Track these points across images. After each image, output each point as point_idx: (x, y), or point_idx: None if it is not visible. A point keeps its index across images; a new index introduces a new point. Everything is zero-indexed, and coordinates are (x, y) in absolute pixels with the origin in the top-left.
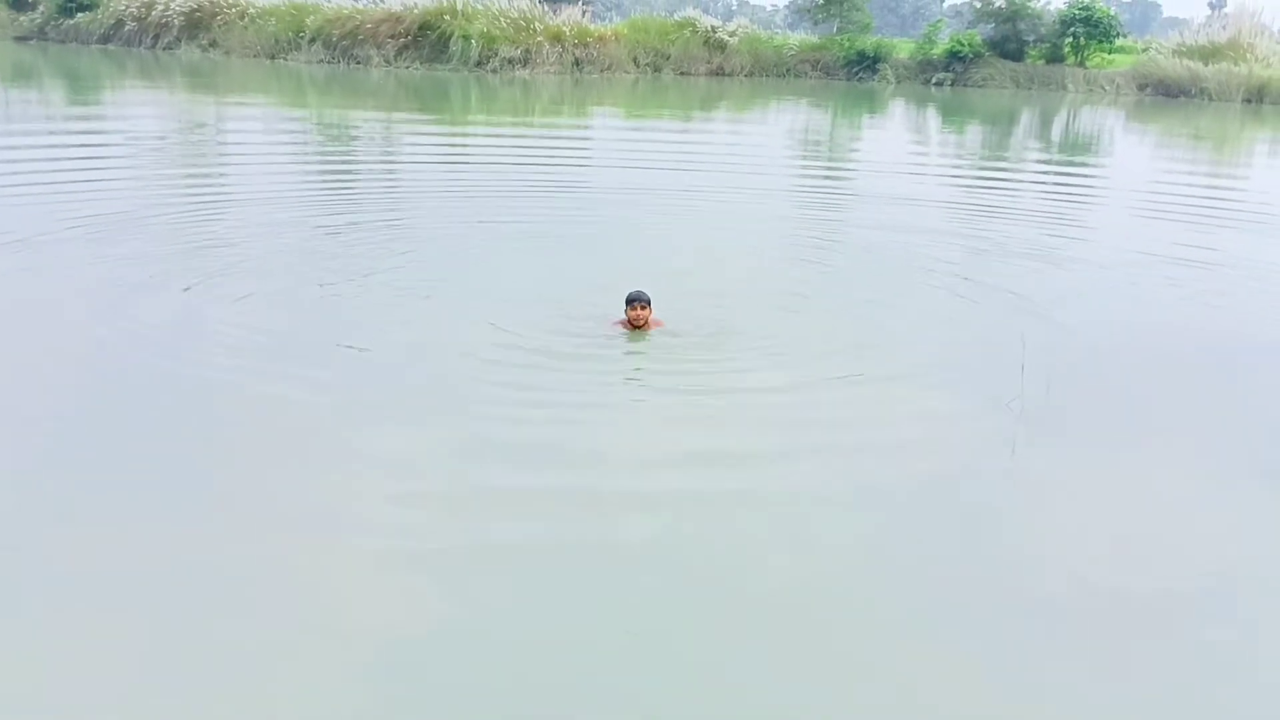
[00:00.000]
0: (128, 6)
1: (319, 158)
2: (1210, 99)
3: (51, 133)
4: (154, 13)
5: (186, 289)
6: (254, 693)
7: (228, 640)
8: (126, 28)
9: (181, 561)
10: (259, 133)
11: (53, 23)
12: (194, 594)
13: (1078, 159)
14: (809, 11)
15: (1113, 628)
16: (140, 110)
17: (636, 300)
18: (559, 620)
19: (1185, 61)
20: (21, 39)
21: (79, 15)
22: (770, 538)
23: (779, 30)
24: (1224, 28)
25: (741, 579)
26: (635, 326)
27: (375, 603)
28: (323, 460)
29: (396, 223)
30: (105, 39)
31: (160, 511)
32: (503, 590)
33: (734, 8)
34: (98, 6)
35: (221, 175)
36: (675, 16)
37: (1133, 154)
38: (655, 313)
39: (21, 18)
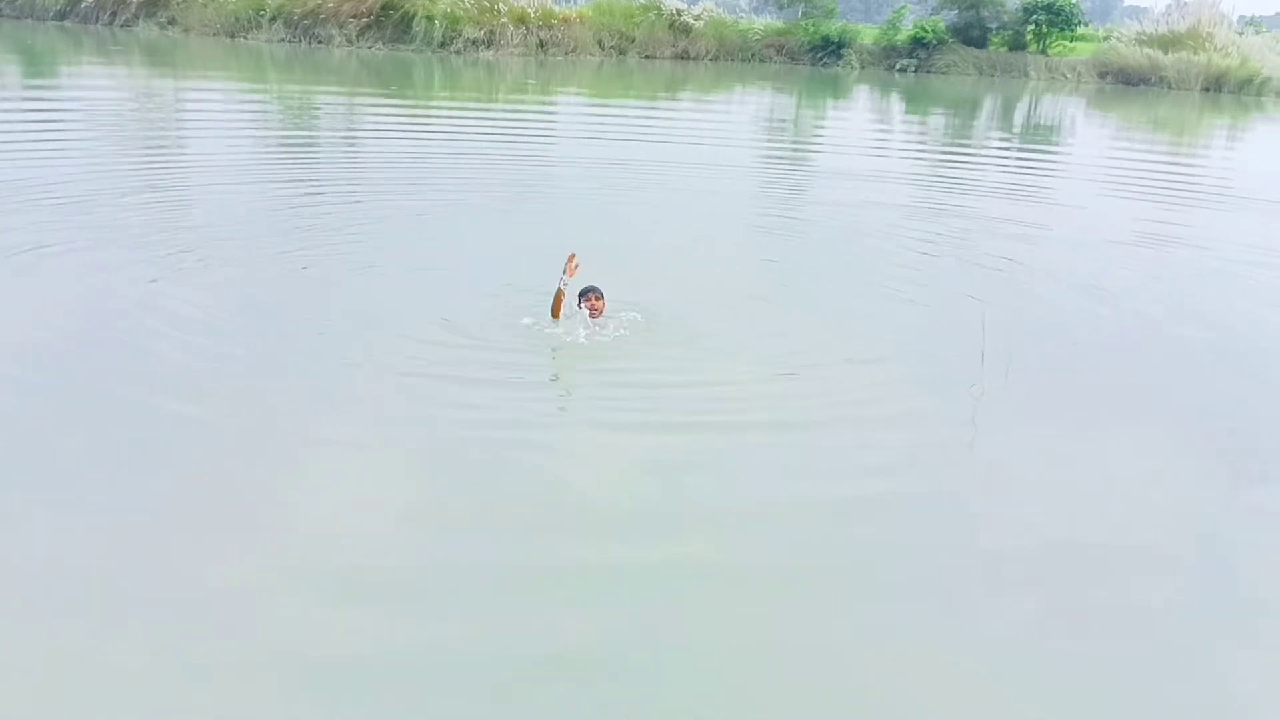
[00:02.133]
0: None
1: (279, 136)
2: (1170, 87)
3: (4, 110)
4: None
5: (137, 270)
6: (209, 708)
7: (165, 650)
8: (83, 4)
9: (128, 564)
10: (218, 110)
11: None
12: (139, 598)
13: (1039, 143)
14: None
15: (1072, 599)
16: (97, 87)
17: (592, 292)
18: (517, 637)
19: (1145, 50)
20: None
21: None
22: (732, 533)
23: (744, 15)
24: (1183, 17)
25: (707, 574)
26: (594, 317)
27: (326, 617)
28: (275, 464)
29: (357, 202)
30: (61, 15)
31: (103, 513)
32: (457, 607)
33: None
34: None
35: (179, 153)
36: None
37: (1093, 139)
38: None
39: None
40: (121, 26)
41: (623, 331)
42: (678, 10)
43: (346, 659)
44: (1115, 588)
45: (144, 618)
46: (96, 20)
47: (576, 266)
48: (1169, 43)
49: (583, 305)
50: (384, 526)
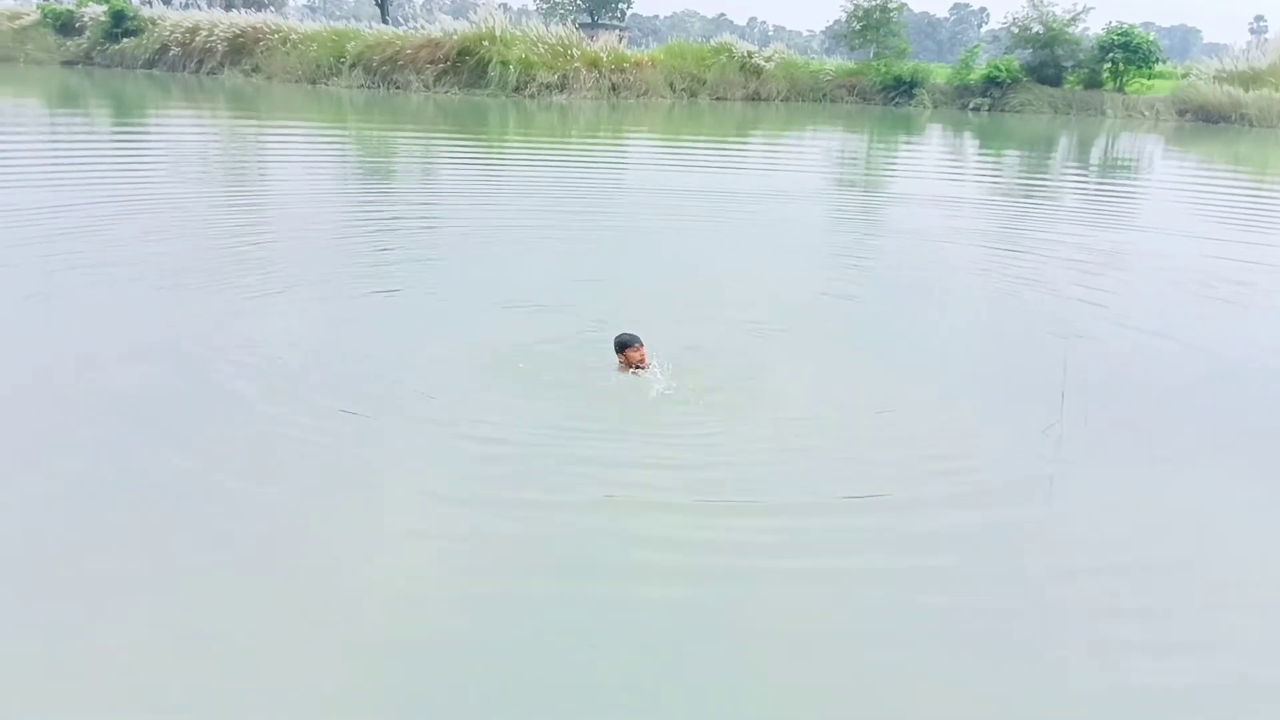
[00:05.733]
0: (172, 32)
1: (358, 174)
2: (1251, 125)
3: (97, 151)
4: (198, 38)
5: (215, 301)
6: None
7: (231, 673)
8: (171, 53)
9: (183, 590)
10: (300, 150)
11: (99, 47)
12: (197, 624)
13: (1119, 179)
14: (845, 37)
15: (1151, 657)
16: (184, 130)
17: (635, 342)
18: (572, 667)
19: (1225, 87)
20: (69, 63)
21: (124, 40)
22: (798, 572)
23: (815, 55)
24: (1264, 54)
25: (769, 616)
26: (641, 367)
27: (382, 643)
28: (332, 492)
29: (431, 244)
30: (150, 64)
31: (160, 543)
32: (512, 636)
33: (770, 33)
34: (143, 32)
35: (261, 190)
36: (712, 42)
37: (1173, 176)
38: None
39: (68, 42)
40: (208, 74)
41: (670, 388)
42: (749, 52)
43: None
44: (1199, 637)
45: (202, 640)
46: (183, 68)
47: (640, 362)
48: (1250, 80)
49: (621, 361)
50: (434, 556)
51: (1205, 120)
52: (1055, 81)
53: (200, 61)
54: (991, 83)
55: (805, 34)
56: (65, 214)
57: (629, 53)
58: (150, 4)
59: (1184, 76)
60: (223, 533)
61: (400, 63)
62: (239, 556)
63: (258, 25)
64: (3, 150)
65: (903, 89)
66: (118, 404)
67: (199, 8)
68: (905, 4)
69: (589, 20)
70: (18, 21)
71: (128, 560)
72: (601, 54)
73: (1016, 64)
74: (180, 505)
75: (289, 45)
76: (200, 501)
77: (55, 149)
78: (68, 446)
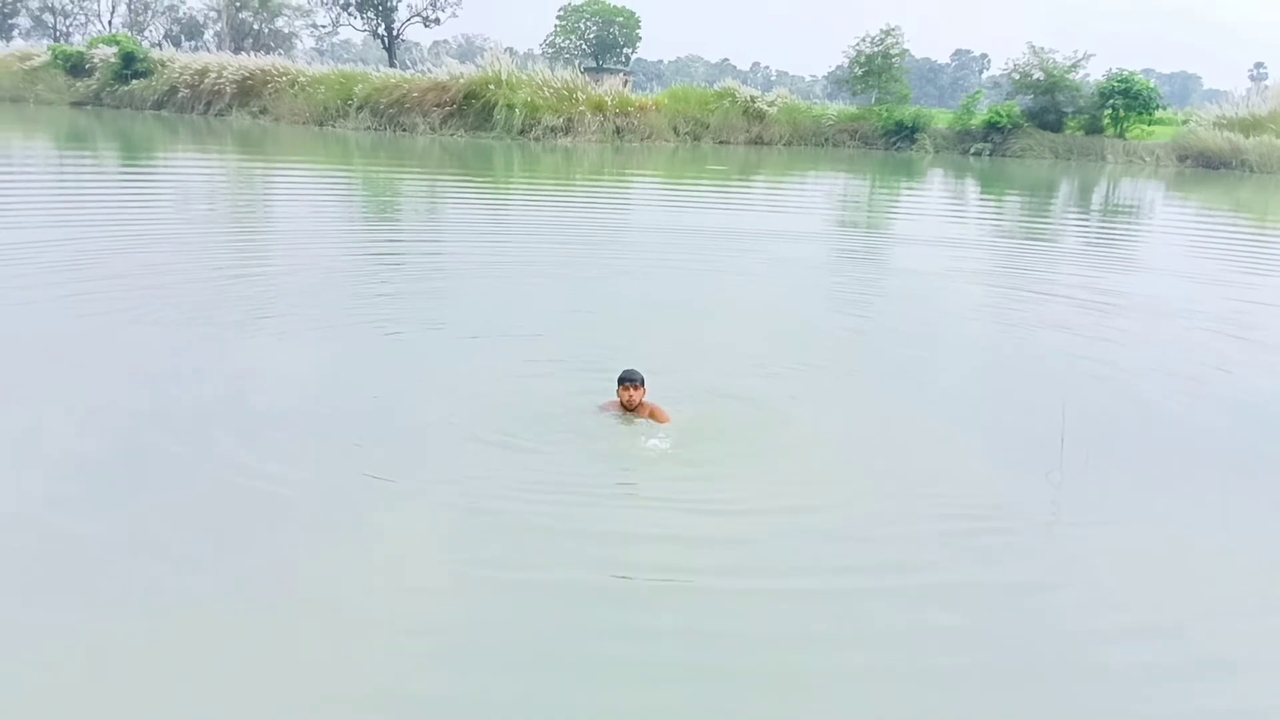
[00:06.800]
0: (181, 74)
1: (363, 216)
2: (1251, 170)
3: (104, 190)
4: (207, 80)
5: (211, 334)
6: None
7: None
8: (179, 94)
9: (187, 635)
10: (307, 189)
11: (108, 88)
12: (199, 677)
13: (1119, 225)
14: (848, 82)
15: (1155, 699)
16: (192, 170)
17: (629, 380)
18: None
19: (1226, 133)
20: (78, 104)
21: (134, 81)
22: (801, 613)
23: (818, 100)
24: (1265, 100)
25: (769, 661)
26: (628, 409)
27: (381, 688)
28: (324, 539)
29: (434, 283)
30: (159, 105)
31: (163, 591)
32: (507, 680)
33: (773, 78)
34: (152, 73)
35: (267, 228)
36: (715, 86)
37: (1174, 221)
38: (653, 391)
39: (78, 83)
40: (216, 115)
41: (661, 441)
42: (752, 97)
43: None
44: (1198, 681)
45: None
46: (192, 110)
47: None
48: (1250, 126)
49: (619, 394)
50: (424, 603)
51: (1206, 166)
52: (1056, 127)
53: (209, 103)
54: (993, 128)
55: (808, 79)
56: (58, 249)
57: (633, 96)
58: (160, 46)
59: (1184, 122)
60: (206, 570)
61: (407, 105)
62: (222, 595)
63: (266, 68)
64: (8, 188)
65: (904, 134)
66: (105, 438)
67: (208, 50)
68: (907, 50)
69: (594, 64)
70: (29, 62)
71: (112, 599)
72: (606, 98)
73: (1018, 109)
74: (168, 544)
75: (297, 87)
76: (188, 541)
77: (62, 187)
78: (51, 480)
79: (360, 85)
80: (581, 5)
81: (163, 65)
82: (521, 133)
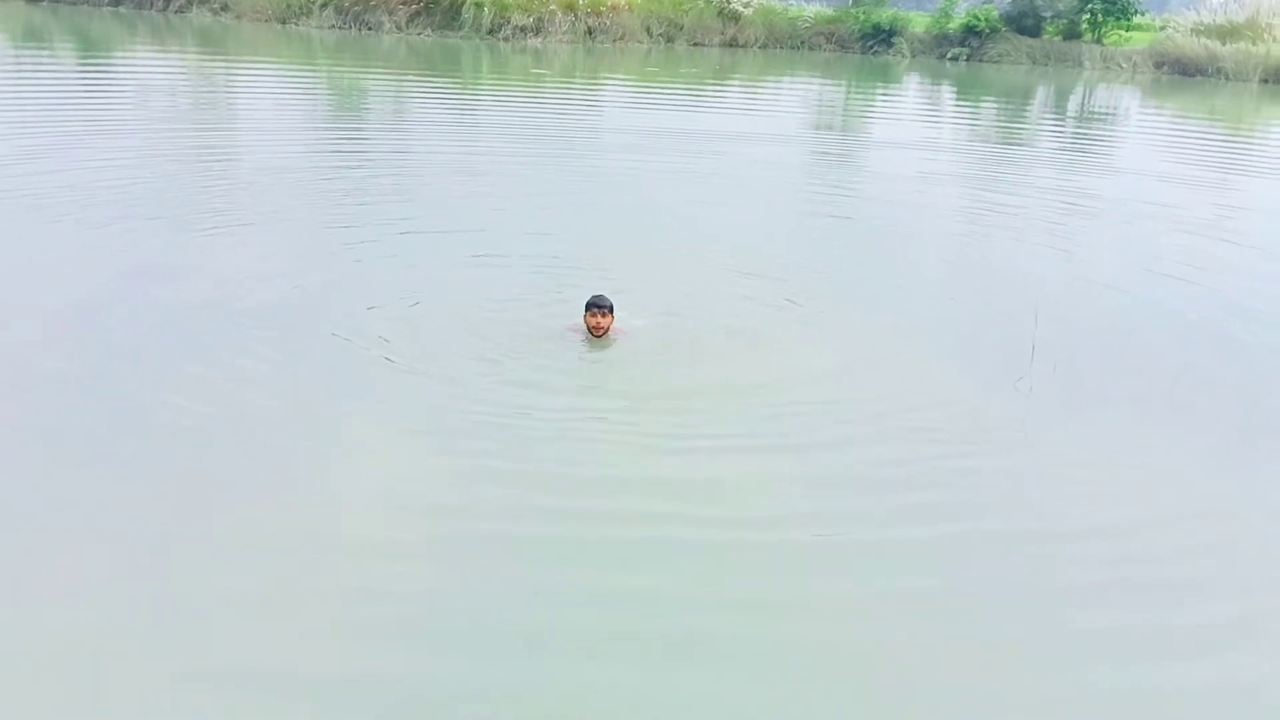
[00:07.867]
0: None
1: (327, 116)
2: (1227, 78)
3: (62, 91)
4: None
5: (177, 238)
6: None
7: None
8: None
9: (156, 572)
10: (269, 93)
11: None
12: (169, 612)
13: (1094, 133)
14: None
15: (1122, 603)
16: (151, 70)
17: (596, 306)
18: (543, 655)
19: (1203, 40)
20: (33, 1)
21: None
22: (777, 535)
23: (794, 3)
24: (1242, 7)
25: (748, 578)
26: (596, 335)
27: (353, 636)
28: (291, 474)
29: (400, 187)
30: (116, 2)
31: (131, 524)
32: (484, 625)
33: None
34: None
35: (228, 134)
36: None
37: (1149, 129)
38: (626, 311)
39: None
40: (175, 12)
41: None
42: None
43: (353, 675)
44: (1169, 600)
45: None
46: (151, 6)
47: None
48: (1227, 33)
49: (586, 320)
50: (400, 532)
51: (1182, 73)
52: (1034, 32)
53: (167, 0)
54: (970, 32)
55: None
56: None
57: None
58: None
59: (1162, 29)
60: (184, 474)
61: (372, 3)
62: (200, 498)
63: None
64: None
65: (881, 37)
66: (77, 333)
67: None
68: None
69: None
70: None
71: (94, 497)
72: None
73: (995, 14)
74: (144, 441)
75: None
76: (165, 437)
77: (18, 87)
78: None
79: None
80: None
81: None
82: (490, 32)
